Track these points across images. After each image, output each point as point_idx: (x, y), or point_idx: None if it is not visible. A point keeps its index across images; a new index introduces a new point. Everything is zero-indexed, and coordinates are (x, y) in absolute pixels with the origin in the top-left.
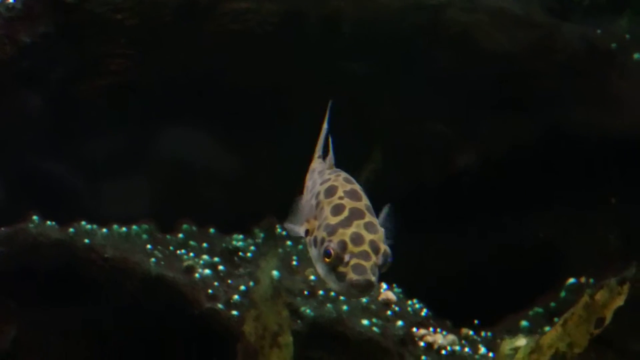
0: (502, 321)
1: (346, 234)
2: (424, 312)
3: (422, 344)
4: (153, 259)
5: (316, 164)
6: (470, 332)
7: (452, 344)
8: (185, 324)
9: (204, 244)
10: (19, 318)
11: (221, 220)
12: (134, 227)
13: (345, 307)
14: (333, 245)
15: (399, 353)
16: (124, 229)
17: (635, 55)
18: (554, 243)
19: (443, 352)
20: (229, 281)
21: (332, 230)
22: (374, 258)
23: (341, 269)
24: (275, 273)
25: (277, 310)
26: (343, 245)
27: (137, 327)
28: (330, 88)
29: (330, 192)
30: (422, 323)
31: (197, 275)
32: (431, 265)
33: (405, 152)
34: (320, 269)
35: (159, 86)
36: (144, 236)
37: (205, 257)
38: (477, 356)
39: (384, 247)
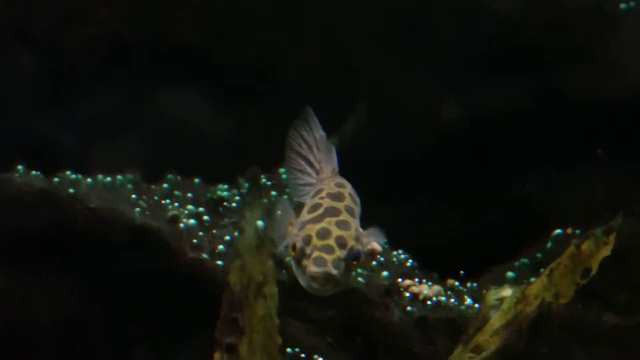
0: (488, 272)
1: (314, 229)
2: (409, 262)
3: (407, 294)
4: (138, 209)
5: (323, 174)
6: (456, 283)
7: (437, 294)
8: (170, 274)
9: (189, 194)
10: (5, 270)
11: (206, 171)
12: (119, 177)
13: None
14: (297, 239)
15: (384, 303)
16: (108, 178)
17: (622, 6)
18: (541, 195)
19: (429, 302)
20: (214, 231)
21: (302, 226)
22: (337, 252)
23: (304, 262)
24: (260, 223)
25: (262, 261)
26: (307, 239)
27: (124, 278)
28: (319, 44)
29: (316, 194)
30: (408, 274)
31: (181, 225)
32: (416, 217)
33: (392, 107)
34: (292, 264)
35: (146, 36)
36: (129, 186)
37: (190, 207)
38: (462, 307)
39: (352, 243)
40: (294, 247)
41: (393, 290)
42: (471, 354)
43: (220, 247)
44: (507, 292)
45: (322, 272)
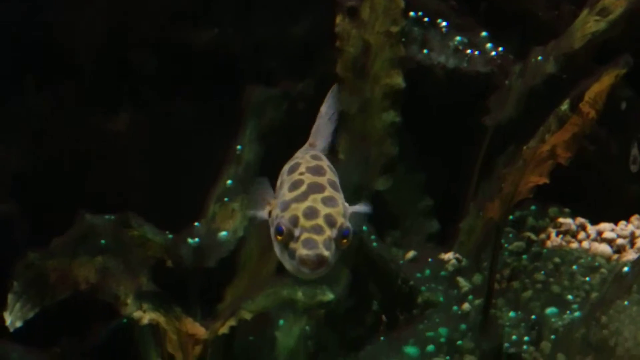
0: None
1: (299, 208)
2: None
3: None
4: None
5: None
6: None
7: None
8: None
9: None
10: None
11: None
12: None
13: None
14: (284, 221)
15: None
16: None
17: None
18: None
19: None
20: None
21: (285, 206)
22: (328, 232)
23: (292, 245)
24: None
25: None
26: (294, 220)
27: None
28: None
29: (293, 169)
30: None
31: None
32: None
33: None
34: (276, 249)
35: None
36: None
37: None
38: None
39: (341, 220)
40: (279, 230)
41: None
42: (597, 17)
43: None
44: None
45: (313, 255)
